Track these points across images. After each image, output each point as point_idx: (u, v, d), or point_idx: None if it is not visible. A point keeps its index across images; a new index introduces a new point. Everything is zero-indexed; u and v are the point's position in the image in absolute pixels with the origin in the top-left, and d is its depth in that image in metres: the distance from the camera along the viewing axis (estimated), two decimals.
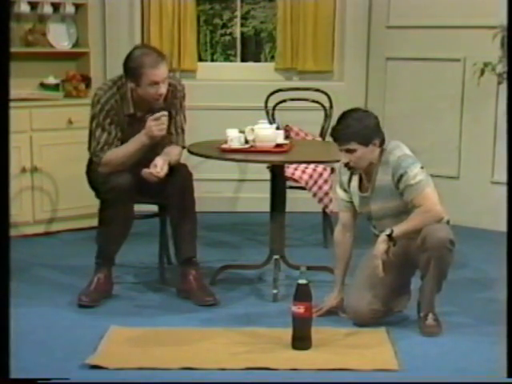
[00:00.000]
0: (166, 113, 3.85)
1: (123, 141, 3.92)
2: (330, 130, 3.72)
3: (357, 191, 3.65)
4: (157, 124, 3.81)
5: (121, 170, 3.84)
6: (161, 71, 3.81)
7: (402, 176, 3.45)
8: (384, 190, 3.53)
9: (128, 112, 3.91)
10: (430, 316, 3.52)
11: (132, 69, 3.82)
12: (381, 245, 3.43)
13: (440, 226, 3.44)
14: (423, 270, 3.49)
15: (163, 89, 3.84)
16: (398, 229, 3.43)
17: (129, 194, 3.82)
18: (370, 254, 3.54)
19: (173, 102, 4.00)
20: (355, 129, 3.45)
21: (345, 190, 3.70)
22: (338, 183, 3.74)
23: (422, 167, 3.48)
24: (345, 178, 3.68)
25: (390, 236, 3.42)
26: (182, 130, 4.06)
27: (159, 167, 3.79)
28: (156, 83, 3.80)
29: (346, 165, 3.54)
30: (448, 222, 3.55)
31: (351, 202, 3.69)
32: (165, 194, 3.89)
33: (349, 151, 3.48)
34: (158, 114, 3.82)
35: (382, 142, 3.54)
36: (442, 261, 3.42)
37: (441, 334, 3.50)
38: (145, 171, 3.79)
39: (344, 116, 3.52)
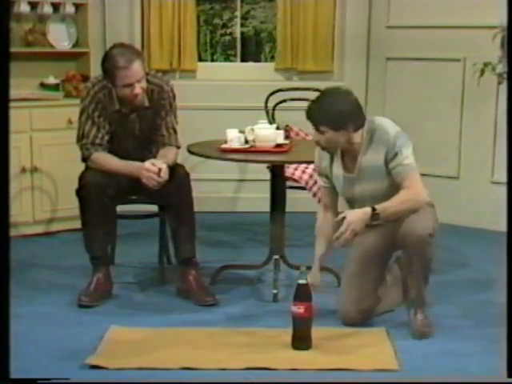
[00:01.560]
0: (164, 166, 3.78)
1: (111, 136, 3.93)
2: None
3: (341, 172, 3.57)
4: (147, 175, 3.75)
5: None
6: (133, 72, 3.77)
7: (396, 154, 3.40)
8: (372, 170, 3.47)
9: (114, 108, 3.92)
10: (420, 314, 3.47)
11: (106, 70, 3.83)
12: (363, 219, 3.33)
13: (418, 219, 3.35)
14: (407, 268, 3.47)
15: (138, 89, 3.80)
16: (381, 208, 3.35)
17: (102, 190, 3.80)
18: (352, 255, 3.53)
19: (160, 103, 3.97)
20: (326, 113, 3.39)
21: (326, 176, 3.62)
22: (318, 169, 3.66)
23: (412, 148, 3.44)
24: (325, 162, 3.60)
25: (374, 213, 3.35)
26: (175, 131, 4.03)
27: (163, 172, 3.76)
28: (130, 84, 3.78)
29: (317, 143, 3.49)
30: (431, 205, 3.52)
31: (333, 187, 3.63)
32: (163, 194, 3.88)
33: (319, 131, 3.43)
34: (155, 165, 3.76)
35: (359, 126, 3.45)
36: (424, 256, 3.38)
37: (432, 334, 3.46)
38: (143, 174, 3.76)
39: (320, 97, 3.47)
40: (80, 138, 3.95)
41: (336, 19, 5.86)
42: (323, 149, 3.51)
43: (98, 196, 3.81)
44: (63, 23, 5.45)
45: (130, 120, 3.96)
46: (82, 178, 3.89)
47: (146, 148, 4.00)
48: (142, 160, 3.83)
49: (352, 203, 3.61)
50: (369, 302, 3.59)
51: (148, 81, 3.88)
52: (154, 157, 3.89)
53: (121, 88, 3.81)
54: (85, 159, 3.94)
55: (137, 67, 3.78)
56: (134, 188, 3.96)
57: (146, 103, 3.93)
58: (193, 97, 5.56)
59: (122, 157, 3.90)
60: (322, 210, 3.70)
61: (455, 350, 3.36)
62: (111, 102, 3.91)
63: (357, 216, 3.35)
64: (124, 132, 3.97)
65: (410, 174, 3.41)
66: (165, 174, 3.77)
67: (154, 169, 3.76)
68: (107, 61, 3.82)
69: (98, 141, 3.90)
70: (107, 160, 3.88)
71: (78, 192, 3.89)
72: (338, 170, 3.59)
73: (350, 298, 3.57)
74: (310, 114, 3.45)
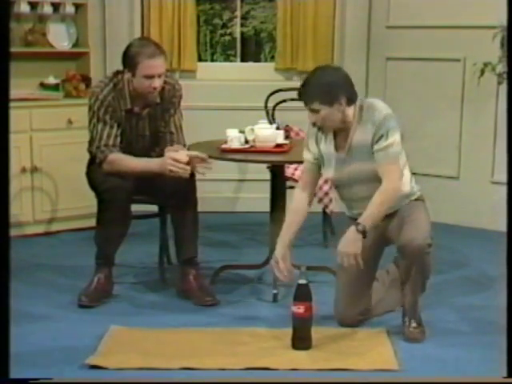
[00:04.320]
0: (185, 154, 3.77)
1: (122, 137, 3.92)
2: None
3: (333, 151, 3.48)
4: (174, 164, 3.72)
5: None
6: (157, 63, 3.76)
7: (381, 137, 3.33)
8: (361, 150, 3.39)
9: (125, 107, 3.90)
10: (413, 322, 3.45)
11: (129, 57, 3.80)
12: (357, 244, 3.27)
13: (416, 227, 3.32)
14: (404, 277, 3.42)
15: (157, 83, 3.80)
16: (366, 220, 3.28)
17: (126, 195, 3.80)
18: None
19: (171, 101, 3.99)
20: (317, 88, 3.33)
21: (313, 153, 3.54)
22: (306, 144, 3.57)
23: (401, 136, 3.37)
24: (316, 139, 3.53)
25: (361, 230, 3.28)
26: (181, 129, 4.05)
27: (188, 169, 3.73)
28: (151, 76, 3.77)
29: (314, 125, 3.42)
30: (422, 200, 3.51)
31: (317, 165, 3.54)
32: (167, 193, 3.88)
33: (313, 111, 3.37)
34: (179, 156, 3.74)
35: (352, 100, 3.39)
36: (423, 267, 3.35)
37: (425, 339, 3.42)
38: (170, 165, 3.71)
39: (309, 75, 3.42)
40: (93, 142, 3.90)
41: (336, 19, 5.86)
42: (319, 129, 3.44)
43: (122, 200, 3.78)
44: (63, 23, 5.45)
45: (141, 118, 3.95)
46: (105, 181, 3.79)
47: (153, 147, 3.99)
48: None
49: (342, 186, 3.52)
50: (363, 301, 3.58)
51: None
52: (162, 154, 3.87)
53: (140, 78, 3.78)
54: (100, 162, 3.84)
55: (161, 62, 3.79)
56: (140, 188, 3.93)
57: (158, 100, 3.93)
58: (193, 97, 5.54)
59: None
60: (301, 189, 3.58)
61: (455, 349, 3.35)
62: (122, 101, 3.88)
63: (349, 246, 3.29)
64: (133, 131, 3.95)
65: (389, 164, 3.33)
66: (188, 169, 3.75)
67: (181, 158, 3.73)
68: (131, 48, 3.80)
69: (111, 142, 3.85)
70: (124, 160, 3.82)
71: (100, 194, 3.85)
72: (329, 148, 3.49)
73: (345, 299, 3.56)
74: (302, 93, 3.38)
